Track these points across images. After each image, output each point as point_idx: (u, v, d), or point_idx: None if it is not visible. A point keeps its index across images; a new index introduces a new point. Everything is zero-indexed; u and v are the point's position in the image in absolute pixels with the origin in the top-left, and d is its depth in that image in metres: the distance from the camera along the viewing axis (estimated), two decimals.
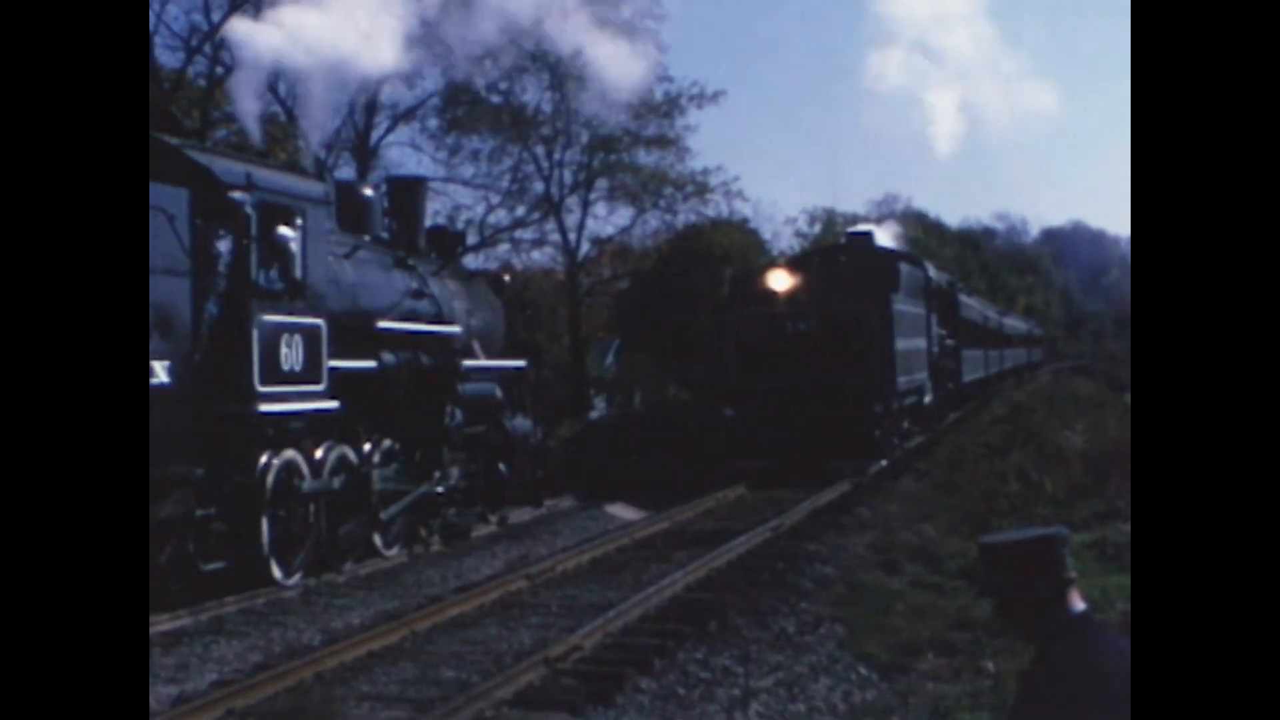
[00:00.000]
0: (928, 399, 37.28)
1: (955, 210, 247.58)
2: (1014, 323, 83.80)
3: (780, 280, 30.08)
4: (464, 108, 45.21)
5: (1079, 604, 4.57)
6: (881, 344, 29.73)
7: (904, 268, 34.24)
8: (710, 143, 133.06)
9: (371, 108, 43.28)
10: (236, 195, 15.66)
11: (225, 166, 15.92)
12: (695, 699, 11.65)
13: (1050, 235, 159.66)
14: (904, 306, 32.18)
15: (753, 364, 29.49)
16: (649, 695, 11.76)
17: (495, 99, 45.38)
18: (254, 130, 20.55)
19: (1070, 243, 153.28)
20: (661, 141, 47.22)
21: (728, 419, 29.54)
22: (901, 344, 31.07)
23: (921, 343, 35.75)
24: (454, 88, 43.91)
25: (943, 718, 10.64)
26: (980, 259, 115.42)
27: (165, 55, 39.01)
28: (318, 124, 24.11)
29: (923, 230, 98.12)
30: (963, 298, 51.06)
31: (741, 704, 11.43)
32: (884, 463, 29.77)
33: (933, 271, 40.91)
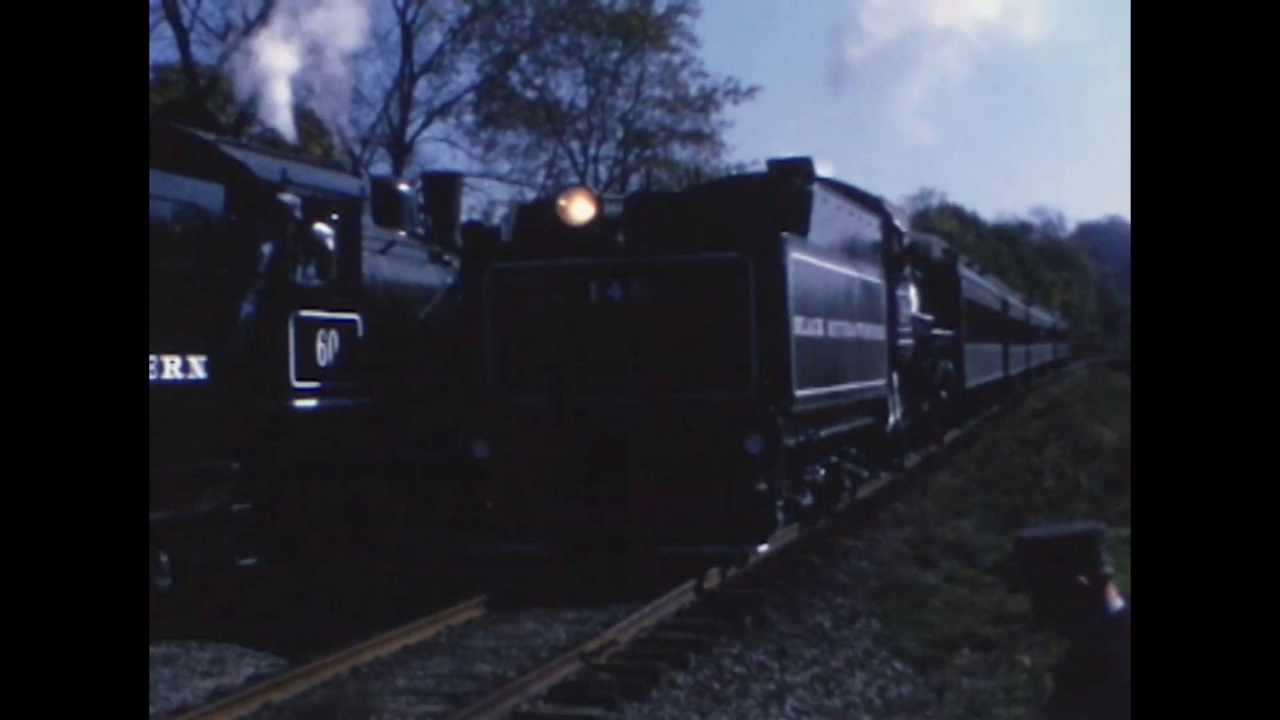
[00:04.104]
0: (894, 419, 23.94)
1: (991, 205, 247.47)
2: (1039, 314, 77.45)
3: (580, 208, 16.85)
4: (499, 103, 45.35)
5: (1117, 600, 4.55)
6: (765, 324, 16.39)
7: (820, 196, 19.35)
8: (746, 137, 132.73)
9: (407, 103, 43.43)
10: (272, 191, 15.70)
11: (261, 162, 15.95)
12: (730, 694, 11.65)
13: (1087, 230, 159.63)
14: (819, 262, 18.54)
15: (525, 361, 16.91)
16: (684, 690, 11.77)
17: (530, 94, 45.52)
18: (286, 124, 20.59)
19: (1107, 237, 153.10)
20: (697, 136, 47.32)
21: (478, 463, 16.79)
22: (807, 327, 17.51)
23: (874, 330, 22.12)
24: (490, 82, 44.08)
25: (978, 713, 10.63)
26: (1017, 253, 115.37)
27: (200, 51, 39.27)
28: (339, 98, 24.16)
29: (959, 225, 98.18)
30: (966, 273, 38.72)
31: (777, 699, 11.43)
32: (763, 549, 16.91)
33: (902, 223, 26.70)
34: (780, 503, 16.76)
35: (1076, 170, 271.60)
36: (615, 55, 46.33)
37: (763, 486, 16.18)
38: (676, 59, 47.10)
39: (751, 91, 48.00)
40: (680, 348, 16.39)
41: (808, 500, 18.66)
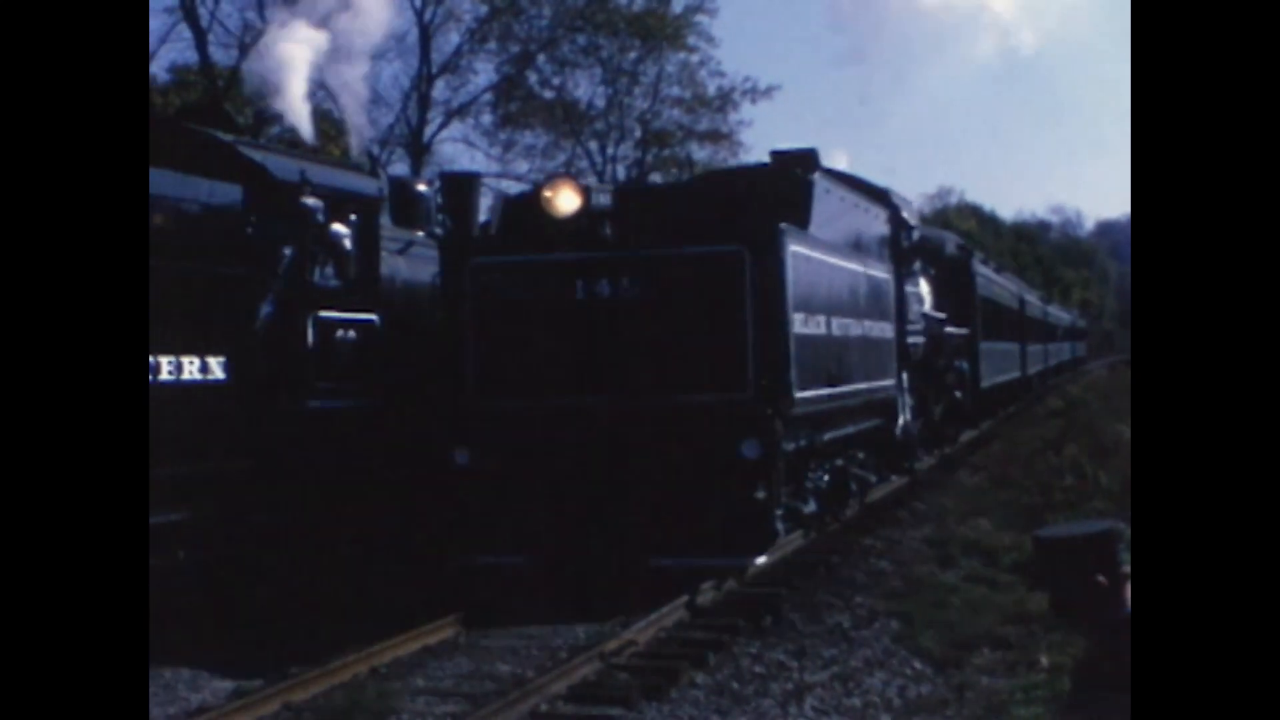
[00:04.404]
0: (903, 421, 23.02)
1: (1010, 203, 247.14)
2: (1057, 312, 75.79)
3: (566, 199, 15.81)
4: (517, 103, 45.41)
5: None
6: (763, 321, 15.29)
7: (822, 186, 18.24)
8: (764, 137, 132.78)
9: (425, 103, 43.48)
10: (291, 192, 15.72)
11: (280, 163, 15.97)
12: (749, 693, 11.65)
13: (1105, 228, 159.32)
14: (821, 256, 17.37)
15: (508, 363, 15.87)
16: (703, 690, 11.77)
17: (548, 94, 45.57)
18: (304, 125, 20.62)
19: (1125, 235, 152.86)
20: (715, 136, 47.32)
21: (459, 469, 15.72)
22: (808, 325, 16.40)
23: (882, 328, 21.04)
24: (508, 82, 44.15)
25: (997, 712, 10.61)
26: (1035, 252, 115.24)
27: (219, 53, 39.37)
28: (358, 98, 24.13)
29: (977, 223, 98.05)
30: (981, 269, 37.44)
31: (796, 698, 11.42)
32: (760, 561, 16.09)
33: (911, 216, 24.73)
34: (779, 512, 15.60)
35: (1095, 168, 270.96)
36: (633, 55, 46.36)
37: (761, 494, 15.06)
38: (694, 58, 47.17)
39: (770, 91, 48.06)
40: (672, 347, 15.35)
41: (810, 508, 17.55)
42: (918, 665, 12.45)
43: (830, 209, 18.42)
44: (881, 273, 21.24)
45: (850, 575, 16.66)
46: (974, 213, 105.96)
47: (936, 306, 27.76)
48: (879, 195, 22.89)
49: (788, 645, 13.22)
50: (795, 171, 17.90)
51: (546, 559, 15.48)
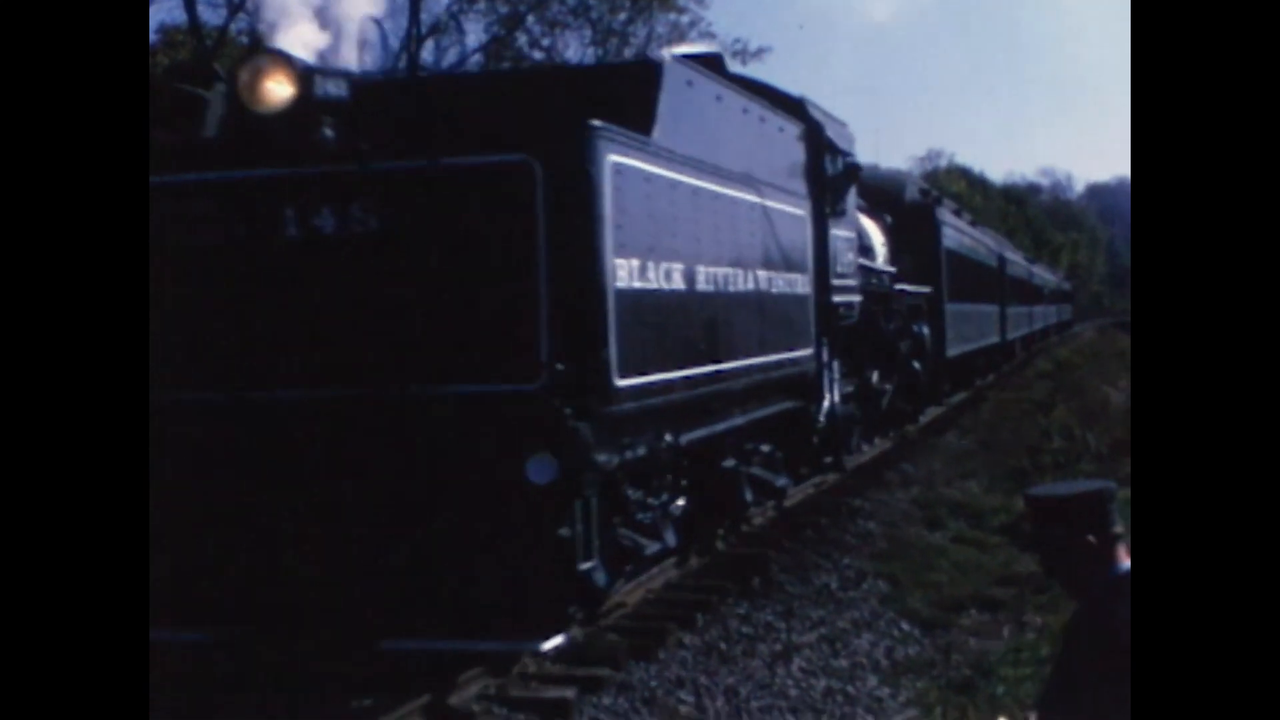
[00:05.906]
0: (829, 402, 18.18)
1: (1000, 165, 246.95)
2: (1043, 272, 72.33)
3: (274, 86, 10.11)
4: (507, 64, 45.27)
5: (1126, 561, 4.52)
6: (564, 270, 9.97)
7: (680, 76, 12.64)
8: None
9: (414, 64, 43.35)
10: None
11: None
12: (737, 654, 11.66)
13: (1095, 191, 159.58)
14: (675, 175, 12.11)
15: (182, 336, 10.18)
16: (691, 650, 11.77)
17: (537, 55, 45.44)
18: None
19: (1115, 198, 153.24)
20: None
21: None
22: (645, 275, 11.16)
23: (791, 280, 16.02)
24: (497, 43, 44.05)
25: (985, 673, 10.64)
26: (1025, 214, 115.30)
27: (208, 12, 39.25)
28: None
29: (967, 185, 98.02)
30: (948, 218, 32.87)
31: (784, 659, 11.44)
32: (558, 642, 10.55)
33: (839, 137, 18.90)
34: (591, 564, 10.54)
35: (1086, 131, 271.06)
36: (623, 16, 46.23)
37: (564, 533, 10.09)
38: (684, 19, 47.02)
39: (760, 53, 47.86)
40: (426, 312, 10.12)
41: (664, 543, 12.24)
42: (905, 626, 12.49)
43: (698, 113, 13.15)
44: (791, 208, 16.21)
45: (839, 537, 16.67)
46: (963, 175, 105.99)
47: (893, 260, 24.18)
48: (789, 105, 17.32)
49: (776, 606, 13.24)
50: (640, 59, 13.05)
51: (232, 634, 10.34)
